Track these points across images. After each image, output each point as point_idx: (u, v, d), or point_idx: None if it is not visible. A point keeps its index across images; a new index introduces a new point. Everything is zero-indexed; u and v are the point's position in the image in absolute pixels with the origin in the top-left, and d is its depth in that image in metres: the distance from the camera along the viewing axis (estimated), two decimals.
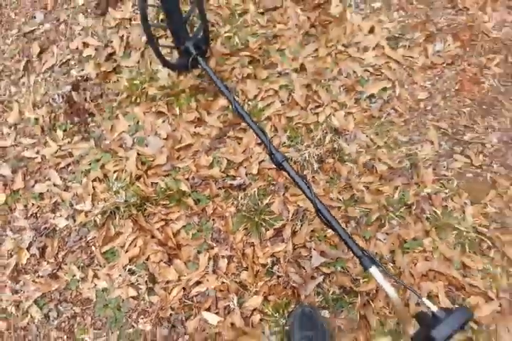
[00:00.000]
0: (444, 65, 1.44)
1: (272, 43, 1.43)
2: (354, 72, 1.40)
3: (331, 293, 1.13)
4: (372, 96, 1.37)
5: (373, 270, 0.88)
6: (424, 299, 0.85)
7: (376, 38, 1.45)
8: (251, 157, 1.29)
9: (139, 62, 1.44)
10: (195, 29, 1.32)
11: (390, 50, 1.44)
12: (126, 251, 1.21)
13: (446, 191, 1.25)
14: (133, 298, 1.16)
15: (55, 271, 1.21)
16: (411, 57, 1.44)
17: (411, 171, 1.28)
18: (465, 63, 1.45)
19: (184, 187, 1.24)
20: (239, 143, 1.31)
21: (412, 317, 0.91)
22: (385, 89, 1.38)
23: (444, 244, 1.17)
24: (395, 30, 1.47)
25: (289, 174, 1.05)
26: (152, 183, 1.28)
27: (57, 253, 1.23)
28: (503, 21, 1.52)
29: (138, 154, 1.30)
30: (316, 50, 1.43)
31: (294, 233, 1.20)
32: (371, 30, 1.46)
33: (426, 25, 1.49)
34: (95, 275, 1.20)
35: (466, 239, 1.18)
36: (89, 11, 1.54)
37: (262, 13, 1.48)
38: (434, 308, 0.81)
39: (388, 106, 1.36)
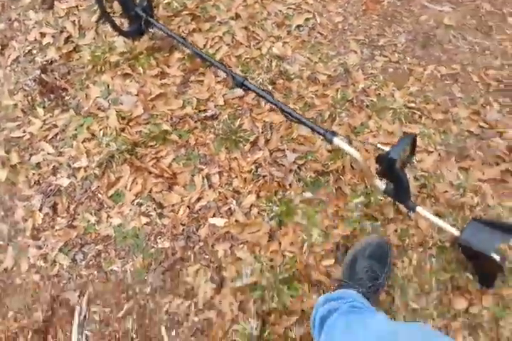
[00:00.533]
0: None
1: (206, 1, 1.66)
2: (280, 10, 1.66)
3: (308, 177, 1.35)
4: (299, 26, 1.63)
5: (336, 140, 1.11)
6: (379, 145, 1.09)
7: None
8: (215, 93, 1.49)
9: (94, 38, 1.61)
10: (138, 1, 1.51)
11: None
12: (130, 190, 1.35)
13: (376, 84, 1.52)
14: (146, 224, 1.31)
15: (70, 222, 1.33)
16: None
17: (345, 75, 1.54)
18: None
19: (166, 127, 1.42)
20: (201, 84, 1.51)
21: (375, 175, 1.14)
22: (308, 19, 1.65)
23: (384, 122, 1.43)
24: None
25: (251, 89, 1.26)
26: (136, 132, 1.44)
27: (68, 208, 1.35)
28: None
29: (116, 111, 1.46)
30: (245, 0, 1.67)
31: (267, 141, 1.41)
32: None
33: None
34: (108, 216, 1.33)
35: (401, 114, 1.46)
36: (37, 7, 1.70)
37: None
38: (388, 148, 1.03)
39: (314, 31, 1.63)
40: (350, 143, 1.15)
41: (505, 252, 1.25)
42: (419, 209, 1.15)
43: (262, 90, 1.26)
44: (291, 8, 1.66)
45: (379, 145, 1.10)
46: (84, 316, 1.21)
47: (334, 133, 1.12)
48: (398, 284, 1.22)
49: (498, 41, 1.71)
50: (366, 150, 1.39)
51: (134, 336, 1.18)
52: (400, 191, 1.14)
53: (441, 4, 1.78)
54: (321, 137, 1.16)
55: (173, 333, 1.18)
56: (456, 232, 1.14)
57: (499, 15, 1.78)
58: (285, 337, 1.15)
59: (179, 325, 1.20)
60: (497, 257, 1.10)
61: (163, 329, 1.19)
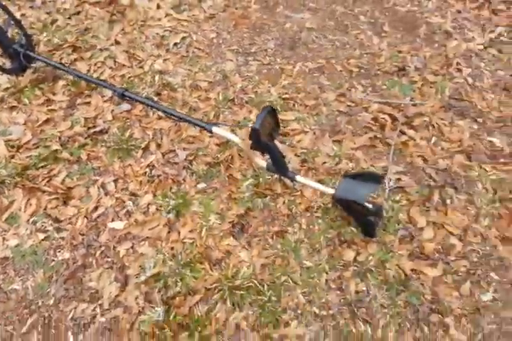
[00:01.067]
0: (219, 13, 2.25)
1: (86, 34, 2.08)
2: (157, 33, 2.18)
3: (200, 170, 1.70)
4: (176, 44, 2.15)
5: (215, 129, 1.47)
6: (250, 124, 1.46)
7: (164, 10, 2.23)
8: (103, 110, 1.87)
9: None
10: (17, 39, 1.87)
11: (177, 14, 2.22)
12: (25, 211, 1.60)
13: (253, 83, 1.99)
14: (44, 240, 1.57)
15: None
16: (194, 15, 2.25)
17: (224, 80, 2.00)
18: (233, 8, 2.29)
19: (56, 147, 1.75)
20: (89, 105, 1.90)
21: (252, 151, 1.49)
22: (184, 37, 2.18)
23: None
24: (175, 1, 2.26)
25: (133, 99, 1.60)
26: (26, 156, 1.73)
27: None
28: None
29: (5, 141, 1.77)
30: (123, 28, 2.16)
31: (158, 146, 1.78)
32: (158, 7, 2.24)
33: None
34: (4, 239, 1.54)
35: (277, 105, 1.90)
36: None
37: (69, 18, 2.13)
38: (257, 125, 1.38)
39: (191, 47, 2.15)
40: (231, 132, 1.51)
41: (381, 202, 1.62)
42: (298, 177, 1.54)
43: (143, 97, 1.62)
44: (167, 30, 2.18)
45: (250, 125, 1.47)
46: None
47: (213, 124, 1.48)
48: (291, 248, 1.54)
49: (354, 36, 2.33)
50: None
51: None
52: (277, 164, 1.51)
53: (302, 12, 2.42)
54: (209, 134, 1.51)
55: (81, 337, 1.37)
56: (331, 191, 1.52)
57: (352, 15, 2.44)
58: (190, 315, 1.39)
59: (86, 328, 1.40)
60: (370, 205, 1.46)
61: (69, 335, 1.37)
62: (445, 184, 1.86)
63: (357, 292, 1.54)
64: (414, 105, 2.09)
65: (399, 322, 1.50)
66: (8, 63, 1.97)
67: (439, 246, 1.69)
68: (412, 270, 1.60)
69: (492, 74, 2.36)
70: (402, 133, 1.98)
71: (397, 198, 1.74)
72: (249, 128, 1.41)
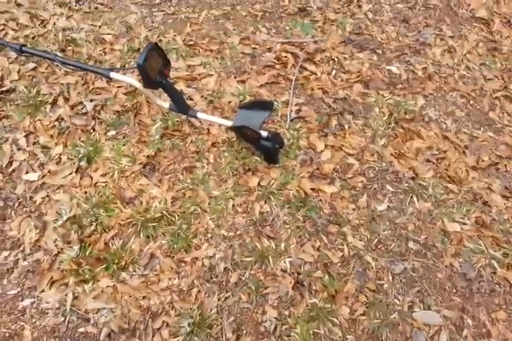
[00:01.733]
0: None
1: None
2: None
3: (109, 119, 1.45)
4: (78, 1, 1.73)
5: (113, 74, 1.19)
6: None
7: None
8: (9, 71, 1.53)
9: None
10: None
11: None
12: None
13: (158, 32, 1.69)
14: None
15: None
16: None
17: (129, 32, 1.69)
18: None
19: None
20: None
21: (153, 93, 1.22)
22: None
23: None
24: None
25: (31, 53, 1.27)
26: None
27: None
28: None
29: None
30: None
31: (66, 99, 1.51)
32: None
33: None
34: None
35: (183, 52, 1.65)
36: None
37: None
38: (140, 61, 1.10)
39: (94, 3, 1.75)
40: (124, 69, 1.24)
41: (282, 132, 1.43)
42: (199, 114, 1.32)
43: (41, 51, 1.30)
44: None
45: (127, 66, 1.20)
46: None
47: (110, 69, 1.20)
48: (200, 181, 1.36)
49: None
50: None
51: None
52: (176, 103, 1.26)
53: None
54: (116, 85, 1.23)
55: (5, 281, 1.20)
56: (229, 123, 1.29)
57: None
58: (106, 250, 1.24)
59: (10, 273, 1.21)
60: (264, 133, 1.26)
61: None
62: (343, 111, 1.65)
63: (261, 213, 1.38)
64: (315, 42, 1.81)
65: (299, 234, 1.36)
66: None
67: (338, 166, 1.52)
68: (311, 189, 1.44)
69: (392, 8, 2.06)
70: (304, 68, 1.73)
71: (298, 127, 1.55)
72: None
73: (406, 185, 1.52)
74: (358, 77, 1.77)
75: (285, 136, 1.51)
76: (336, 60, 1.78)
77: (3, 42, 1.36)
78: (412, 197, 1.49)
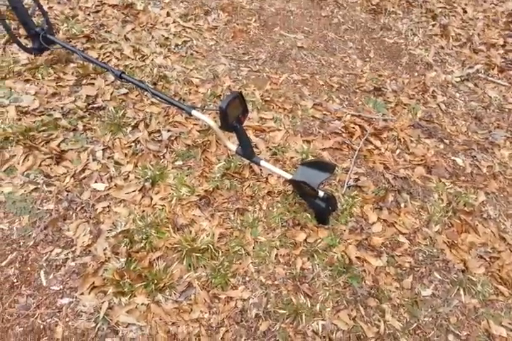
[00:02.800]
0: (221, 25, 2.81)
1: (101, 29, 2.62)
2: (163, 35, 2.71)
3: (180, 150, 2.11)
4: (178, 45, 2.62)
5: (195, 112, 1.92)
6: (213, 106, 1.91)
7: (172, 18, 2.80)
8: (104, 91, 2.32)
9: (2, 55, 2.42)
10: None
11: (183, 22, 2.79)
12: (22, 165, 1.98)
13: (240, 84, 2.47)
14: (34, 190, 1.94)
15: None
16: (198, 24, 2.81)
17: (215, 79, 2.49)
18: (234, 23, 2.85)
19: (58, 115, 2.18)
20: (92, 86, 2.36)
21: (224, 133, 1.92)
22: (186, 41, 2.68)
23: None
24: (184, 11, 2.84)
25: (128, 80, 2.06)
26: (31, 121, 2.16)
27: None
28: (251, 1, 3.06)
29: (15, 107, 2.19)
30: (133, 28, 2.71)
31: (146, 125, 2.22)
32: (168, 14, 2.80)
33: (202, 7, 2.90)
34: (0, 186, 1.92)
35: (258, 105, 2.37)
36: None
37: (89, 14, 2.69)
38: (223, 105, 1.82)
39: (191, 50, 2.65)
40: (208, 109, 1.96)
41: (337, 196, 2.02)
42: (262, 162, 1.96)
43: (137, 80, 2.08)
44: (172, 33, 2.73)
45: (214, 107, 1.93)
46: None
47: (193, 107, 1.93)
48: (249, 224, 1.91)
49: (340, 58, 2.88)
50: None
51: (15, 280, 1.70)
52: (243, 148, 1.92)
53: (296, 33, 2.97)
54: (193, 122, 1.95)
55: (51, 276, 1.71)
56: (289, 176, 1.92)
57: (342, 41, 3.02)
58: (149, 268, 1.75)
59: (57, 269, 1.74)
60: (321, 193, 1.86)
61: (42, 273, 1.72)
62: (401, 189, 2.28)
63: (303, 269, 1.90)
64: (385, 120, 2.56)
65: (337, 300, 1.84)
66: (30, 44, 2.48)
67: (387, 242, 2.07)
68: (357, 257, 1.97)
69: (465, 104, 2.87)
70: (369, 142, 2.44)
71: (353, 194, 2.15)
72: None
73: (455, 276, 2.01)
74: (421, 160, 2.44)
75: (339, 201, 2.11)
76: (402, 140, 2.49)
77: (107, 67, 2.17)
78: (459, 289, 1.97)
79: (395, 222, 2.16)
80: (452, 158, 2.56)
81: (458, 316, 1.90)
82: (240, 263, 1.89)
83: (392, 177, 2.32)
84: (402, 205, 2.23)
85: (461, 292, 1.96)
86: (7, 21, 2.29)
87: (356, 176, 2.27)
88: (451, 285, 1.99)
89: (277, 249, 1.93)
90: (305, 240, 1.97)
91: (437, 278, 2.01)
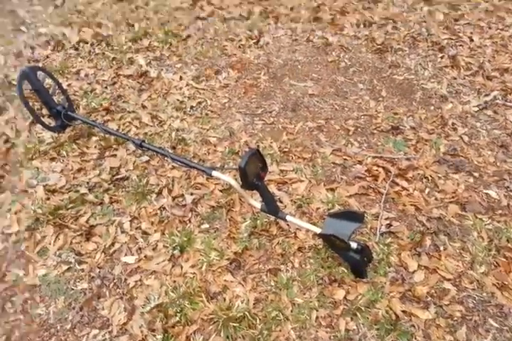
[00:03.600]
0: (232, 83, 2.91)
1: (118, 100, 2.75)
2: (178, 99, 2.81)
3: (205, 212, 2.11)
4: (193, 107, 2.71)
5: (215, 173, 1.94)
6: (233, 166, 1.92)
7: (185, 81, 2.92)
8: (126, 161, 2.39)
9: (28, 136, 2.56)
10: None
11: (196, 84, 2.90)
12: (53, 245, 2.01)
13: (257, 138, 2.51)
14: (67, 270, 1.95)
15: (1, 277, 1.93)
16: (210, 84, 2.91)
17: (231, 136, 2.53)
18: (245, 79, 2.95)
19: (84, 191, 2.24)
20: (115, 157, 2.44)
21: (247, 194, 1.92)
22: (200, 102, 2.77)
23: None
24: (195, 73, 2.96)
25: (149, 149, 2.12)
26: (59, 199, 2.22)
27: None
28: (258, 55, 3.17)
29: (43, 186, 2.27)
30: (149, 95, 2.84)
31: (170, 191, 2.25)
32: (180, 78, 2.93)
33: (213, 67, 3.03)
34: (34, 269, 1.96)
35: (277, 157, 2.39)
36: None
37: (106, 87, 2.84)
38: (242, 164, 1.83)
39: (205, 110, 2.73)
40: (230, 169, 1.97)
41: (371, 245, 1.94)
42: (288, 217, 1.93)
43: (157, 147, 2.14)
44: (186, 96, 2.82)
45: (233, 166, 1.94)
46: None
47: (213, 168, 1.95)
48: (284, 285, 1.84)
49: (353, 101, 2.89)
50: None
51: None
52: (267, 204, 1.90)
53: (305, 82, 3.04)
54: (214, 182, 1.98)
55: None
56: (318, 230, 1.86)
57: (352, 83, 3.03)
58: (187, 338, 1.68)
59: None
60: (354, 244, 1.79)
61: None
62: (438, 231, 2.17)
63: (347, 330, 1.79)
64: (408, 159, 2.51)
65: None
66: (53, 123, 2.63)
67: (432, 290, 1.94)
68: (403, 311, 1.85)
69: (488, 133, 2.78)
70: (395, 184, 2.37)
71: (388, 242, 2.05)
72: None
73: None
74: (453, 197, 2.34)
75: (374, 250, 2.02)
76: (430, 178, 2.42)
77: (127, 137, 2.25)
78: None
79: (437, 268, 2.03)
80: (485, 191, 2.43)
81: None
82: (280, 330, 1.79)
83: (426, 218, 2.22)
84: (442, 248, 2.11)
85: None
86: (30, 103, 2.45)
87: (388, 222, 2.18)
88: (511, 333, 1.83)
89: (317, 311, 1.83)
90: (345, 297, 1.87)
91: (494, 326, 1.84)
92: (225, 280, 1.95)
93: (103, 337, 1.78)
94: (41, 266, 2.03)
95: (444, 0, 4.06)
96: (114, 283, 1.97)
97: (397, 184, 2.41)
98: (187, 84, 3.01)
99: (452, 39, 3.60)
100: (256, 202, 2.01)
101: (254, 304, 1.86)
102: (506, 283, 2.00)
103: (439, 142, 2.69)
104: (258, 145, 2.55)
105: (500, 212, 2.33)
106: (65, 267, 2.01)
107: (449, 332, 1.82)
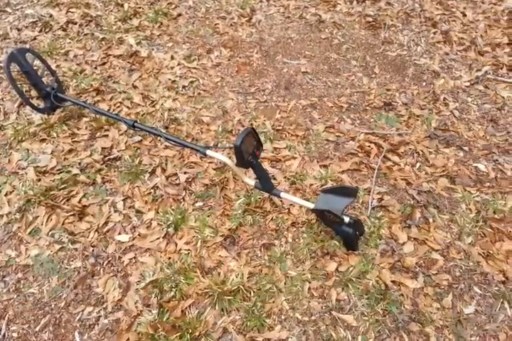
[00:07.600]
0: (225, 61, 2.85)
1: (109, 80, 2.69)
2: (169, 79, 2.75)
3: (198, 190, 2.10)
4: (185, 86, 2.67)
5: (209, 152, 1.92)
6: (227, 144, 1.90)
7: (177, 60, 2.86)
8: (118, 142, 2.35)
9: (16, 118, 2.51)
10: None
11: (187, 63, 2.83)
12: (46, 226, 2.00)
13: (250, 117, 2.47)
14: (60, 250, 1.94)
15: None
16: (202, 63, 2.85)
17: (224, 115, 2.49)
18: (237, 57, 2.89)
19: (76, 171, 2.22)
20: (107, 137, 2.40)
21: (241, 171, 1.90)
22: (192, 81, 2.72)
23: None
24: (187, 52, 2.90)
25: (141, 129, 2.09)
26: (50, 180, 2.20)
27: None
28: (250, 33, 3.10)
29: (34, 168, 2.24)
30: (140, 75, 2.77)
31: (163, 170, 2.23)
32: (172, 58, 2.87)
33: (204, 46, 2.96)
34: (27, 249, 1.95)
35: (271, 135, 2.35)
36: None
37: (96, 68, 2.77)
38: (238, 142, 1.81)
39: (198, 89, 2.68)
40: (223, 148, 1.95)
41: (363, 219, 1.94)
42: (282, 194, 1.92)
43: (149, 127, 2.10)
44: (178, 76, 2.77)
45: (227, 145, 1.92)
46: (4, 335, 1.68)
47: (207, 147, 1.92)
48: (277, 259, 1.85)
49: (346, 78, 2.85)
50: None
51: None
52: (262, 181, 1.89)
53: (298, 59, 2.98)
54: (208, 160, 1.96)
55: (86, 337, 1.69)
56: (311, 205, 1.86)
57: (345, 60, 3.00)
58: (183, 318, 1.71)
59: (91, 328, 1.72)
60: (347, 218, 1.79)
61: (76, 334, 1.69)
62: (428, 204, 2.17)
63: (338, 300, 1.81)
64: (400, 135, 2.49)
65: (378, 329, 1.73)
66: (42, 104, 2.57)
67: (421, 261, 1.96)
68: (392, 281, 1.87)
69: (479, 108, 2.76)
70: (387, 159, 2.37)
71: (379, 215, 2.06)
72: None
73: (496, 288, 1.87)
74: (443, 171, 2.33)
75: (366, 224, 2.03)
76: (421, 153, 2.41)
77: (119, 118, 2.21)
78: (502, 302, 1.84)
79: (426, 239, 2.04)
80: (474, 164, 2.43)
81: (507, 332, 1.75)
82: (273, 302, 1.81)
83: (416, 192, 2.22)
84: (431, 220, 2.12)
85: (506, 305, 1.82)
86: (18, 85, 2.39)
87: (379, 196, 2.19)
88: (493, 298, 1.85)
89: (309, 282, 1.85)
90: (336, 269, 1.89)
91: (478, 292, 1.88)
92: (219, 256, 1.96)
93: (98, 314, 1.80)
94: (34, 246, 2.02)
95: None
96: (108, 261, 1.96)
97: (389, 159, 2.39)
98: (178, 64, 2.94)
99: (445, 14, 3.53)
100: (250, 179, 2.00)
101: (248, 278, 1.88)
102: (491, 252, 2.02)
103: (431, 117, 2.67)
104: (252, 124, 2.52)
105: (488, 184, 2.33)
106: (57, 247, 2.01)
107: (436, 299, 1.85)
